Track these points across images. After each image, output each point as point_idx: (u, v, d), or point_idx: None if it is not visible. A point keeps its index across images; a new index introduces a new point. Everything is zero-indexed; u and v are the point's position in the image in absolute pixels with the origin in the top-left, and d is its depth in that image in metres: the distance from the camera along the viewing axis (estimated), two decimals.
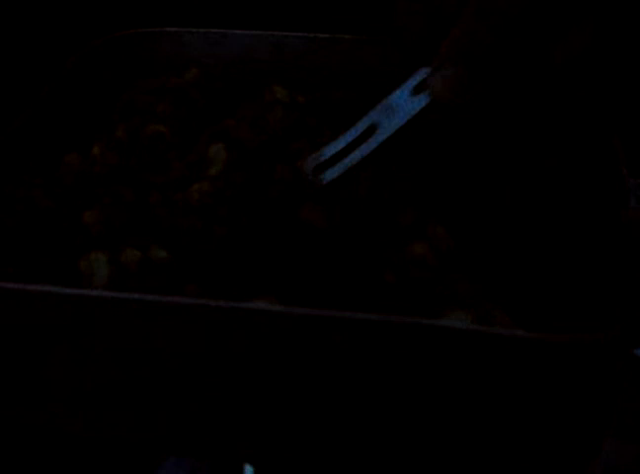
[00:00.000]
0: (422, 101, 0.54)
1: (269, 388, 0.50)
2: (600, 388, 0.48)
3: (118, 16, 0.85)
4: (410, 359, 0.47)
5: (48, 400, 0.53)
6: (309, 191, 0.59)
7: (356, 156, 0.57)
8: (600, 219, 0.55)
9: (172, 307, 0.48)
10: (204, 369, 0.50)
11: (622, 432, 0.59)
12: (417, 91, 0.54)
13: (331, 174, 0.58)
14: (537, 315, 0.52)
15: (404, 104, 0.55)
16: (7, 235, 0.58)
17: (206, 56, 0.74)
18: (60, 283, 0.49)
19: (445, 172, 0.61)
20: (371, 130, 0.56)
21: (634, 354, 0.50)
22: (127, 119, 0.67)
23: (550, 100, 0.56)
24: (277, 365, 0.49)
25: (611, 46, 0.51)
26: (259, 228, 0.57)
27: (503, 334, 0.44)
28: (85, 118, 0.69)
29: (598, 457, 0.51)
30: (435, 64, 0.52)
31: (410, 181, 0.60)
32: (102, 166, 0.63)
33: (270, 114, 0.67)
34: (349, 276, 0.54)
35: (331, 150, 0.58)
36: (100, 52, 0.73)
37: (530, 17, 0.48)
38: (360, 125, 0.57)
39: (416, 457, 0.51)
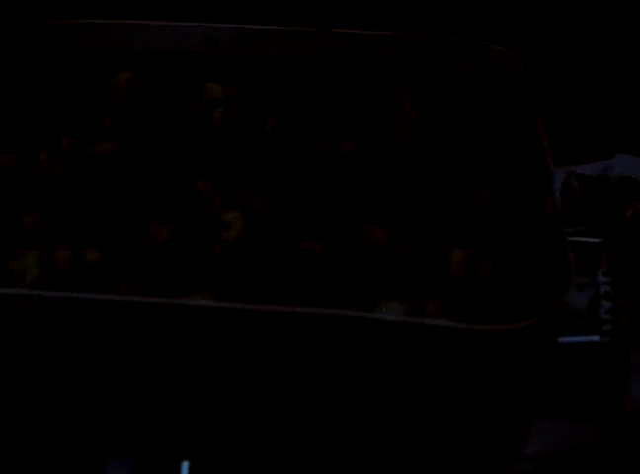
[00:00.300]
0: None
1: (207, 385, 0.50)
2: (523, 372, 0.49)
3: (42, 6, 0.83)
4: (343, 350, 0.47)
5: None
6: None
7: None
8: (526, 207, 0.56)
9: (102, 304, 0.48)
10: (141, 367, 0.50)
11: (560, 412, 0.60)
12: None
13: None
14: (470, 306, 0.53)
15: None
16: None
17: (137, 49, 0.73)
18: None
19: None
20: None
21: (560, 341, 0.51)
22: (73, 131, 0.67)
23: None
24: (213, 362, 0.49)
25: None
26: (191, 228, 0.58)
27: (427, 324, 0.45)
28: (14, 115, 0.68)
29: (528, 436, 0.52)
30: None
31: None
32: (47, 174, 0.63)
33: (211, 114, 0.67)
34: (289, 273, 0.55)
35: None
36: (28, 45, 0.71)
37: None
38: None
39: (348, 444, 0.52)
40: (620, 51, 0.86)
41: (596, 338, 0.56)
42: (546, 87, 0.66)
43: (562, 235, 0.50)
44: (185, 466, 0.58)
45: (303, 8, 0.82)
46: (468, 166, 0.61)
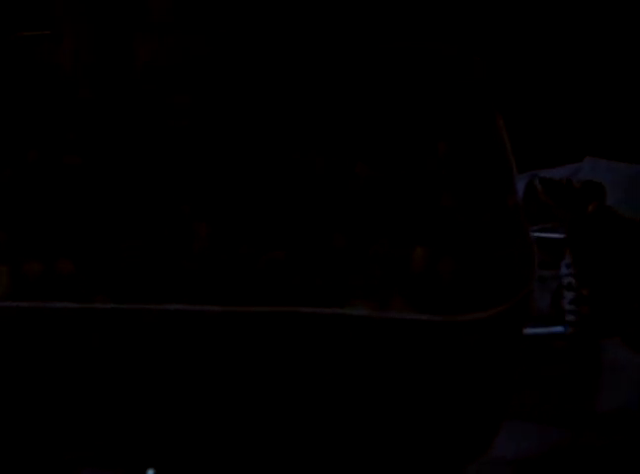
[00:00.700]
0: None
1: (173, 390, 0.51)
2: (491, 365, 0.50)
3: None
4: (317, 346, 0.48)
5: None
6: None
7: None
8: (490, 206, 0.57)
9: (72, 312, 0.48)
10: (117, 374, 0.50)
11: (530, 414, 0.61)
12: None
13: None
14: (435, 302, 0.54)
15: None
16: None
17: None
18: None
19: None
20: None
21: (526, 333, 0.52)
22: (38, 145, 0.67)
23: None
24: (184, 368, 0.50)
25: None
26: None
27: (393, 317, 0.46)
28: None
29: (496, 435, 0.53)
30: None
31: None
32: (14, 189, 0.63)
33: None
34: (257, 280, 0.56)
35: None
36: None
37: None
38: None
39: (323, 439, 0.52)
40: (591, 52, 0.88)
41: (559, 329, 0.58)
42: (512, 90, 0.68)
43: (523, 226, 0.52)
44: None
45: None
46: (427, 165, 0.63)
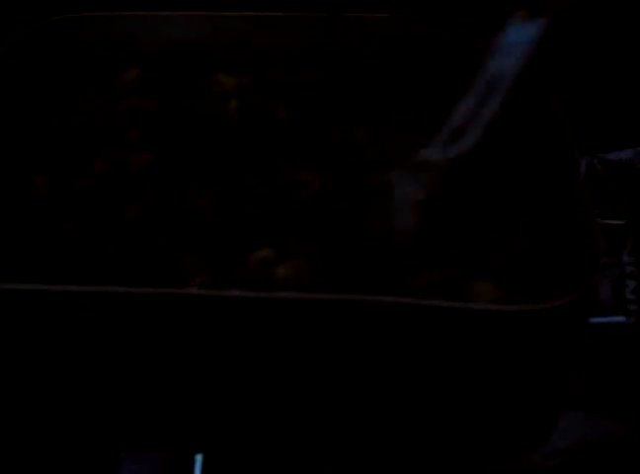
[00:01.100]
0: (539, 23, 0.52)
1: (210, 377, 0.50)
2: (554, 355, 0.48)
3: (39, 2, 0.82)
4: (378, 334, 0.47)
5: None
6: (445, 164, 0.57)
7: (488, 112, 0.55)
8: (553, 194, 0.55)
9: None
10: (150, 360, 0.50)
11: (586, 404, 0.60)
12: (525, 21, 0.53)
13: (472, 137, 0.56)
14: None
15: (518, 36, 0.53)
16: None
17: (143, 41, 0.72)
18: None
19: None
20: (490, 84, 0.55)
21: (591, 322, 0.50)
22: (98, 150, 0.65)
23: None
24: (223, 353, 0.49)
25: None
26: None
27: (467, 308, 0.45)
28: (23, 119, 0.67)
29: (556, 426, 0.52)
30: None
31: None
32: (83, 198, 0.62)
33: (225, 108, 0.66)
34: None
35: (459, 116, 0.56)
36: (32, 41, 0.70)
37: None
38: (480, 82, 0.55)
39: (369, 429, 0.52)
40: None
41: (621, 318, 0.56)
42: (572, 72, 0.66)
43: (588, 212, 0.50)
44: (198, 460, 0.58)
45: None
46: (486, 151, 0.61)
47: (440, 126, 0.57)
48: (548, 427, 0.52)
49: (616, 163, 0.65)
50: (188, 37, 0.71)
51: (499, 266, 0.53)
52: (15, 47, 0.68)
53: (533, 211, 0.56)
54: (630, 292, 0.57)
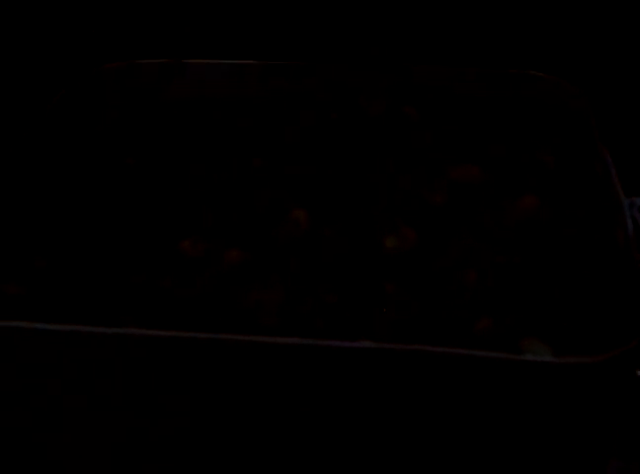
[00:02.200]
0: None
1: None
2: (602, 407, 0.48)
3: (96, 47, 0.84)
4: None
5: None
6: None
7: None
8: (598, 241, 0.55)
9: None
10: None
11: (625, 452, 0.58)
12: None
13: None
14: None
15: None
16: None
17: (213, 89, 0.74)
18: None
19: None
20: None
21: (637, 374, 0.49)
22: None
23: None
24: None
25: None
26: None
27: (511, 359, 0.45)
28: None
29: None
30: None
31: None
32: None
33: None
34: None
35: None
36: (98, 84, 0.72)
37: None
38: None
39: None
40: None
41: None
42: (609, 118, 0.66)
43: (634, 262, 0.49)
44: None
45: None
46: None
47: None
48: None
49: None
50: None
51: (549, 321, 0.53)
52: (84, 87, 0.71)
53: (585, 267, 0.56)
54: None
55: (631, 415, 0.55)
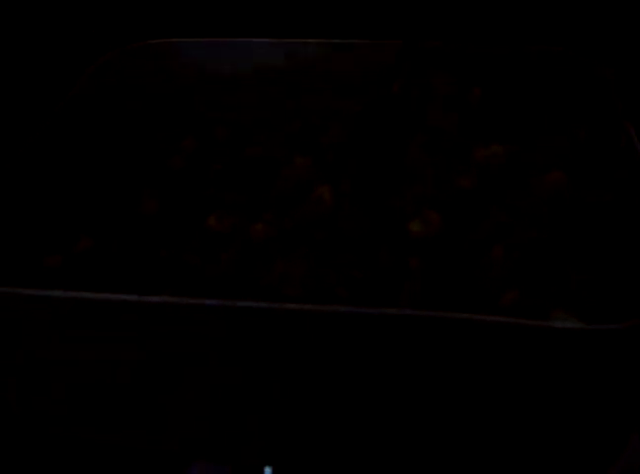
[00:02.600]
0: None
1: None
2: (625, 377, 0.48)
3: (116, 28, 0.85)
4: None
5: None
6: None
7: None
8: (624, 215, 0.56)
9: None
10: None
11: None
12: None
13: None
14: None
15: None
16: None
17: (220, 66, 0.74)
18: None
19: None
20: None
21: None
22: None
23: None
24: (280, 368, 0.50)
25: None
26: None
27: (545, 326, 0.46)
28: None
29: (626, 445, 0.52)
30: None
31: None
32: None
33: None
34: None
35: None
36: (116, 65, 0.72)
37: None
38: None
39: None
40: None
41: None
42: (634, 94, 0.66)
43: None
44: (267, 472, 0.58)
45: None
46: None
47: None
48: (619, 447, 0.52)
49: None
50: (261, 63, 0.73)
51: (575, 294, 0.54)
52: (103, 70, 0.71)
53: (611, 241, 0.56)
54: None
55: None
